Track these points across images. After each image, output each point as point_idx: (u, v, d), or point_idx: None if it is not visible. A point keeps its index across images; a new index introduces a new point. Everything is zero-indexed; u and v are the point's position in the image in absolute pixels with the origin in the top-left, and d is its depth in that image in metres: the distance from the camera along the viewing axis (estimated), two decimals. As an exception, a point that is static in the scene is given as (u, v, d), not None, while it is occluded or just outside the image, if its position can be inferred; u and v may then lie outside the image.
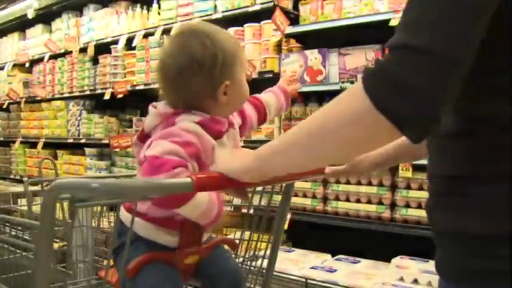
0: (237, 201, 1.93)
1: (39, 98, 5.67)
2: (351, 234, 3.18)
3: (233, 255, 1.50)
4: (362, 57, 3.11)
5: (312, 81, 3.24)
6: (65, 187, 0.96)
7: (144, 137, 1.36)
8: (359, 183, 3.10)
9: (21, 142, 6.01)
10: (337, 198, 3.15)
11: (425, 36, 0.77)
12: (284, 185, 1.48)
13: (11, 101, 6.16)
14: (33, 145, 5.78)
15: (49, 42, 5.38)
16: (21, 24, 6.14)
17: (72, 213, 1.14)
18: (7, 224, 1.58)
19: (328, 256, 3.18)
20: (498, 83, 0.86)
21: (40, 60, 5.74)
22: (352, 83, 3.03)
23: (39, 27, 5.85)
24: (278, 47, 3.44)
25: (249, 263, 1.57)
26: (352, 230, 3.12)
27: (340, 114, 0.86)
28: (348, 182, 3.15)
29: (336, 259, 3.14)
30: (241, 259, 1.55)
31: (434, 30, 0.77)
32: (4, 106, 6.39)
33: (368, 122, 0.81)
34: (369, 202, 3.05)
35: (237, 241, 1.52)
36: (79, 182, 0.96)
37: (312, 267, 2.90)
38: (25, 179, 4.50)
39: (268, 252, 1.55)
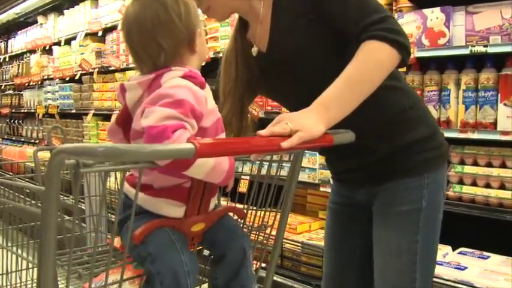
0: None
1: (112, 68, 5.42)
2: (475, 224, 2.72)
3: (241, 224, 1.53)
4: (497, 15, 2.61)
5: (432, 45, 2.76)
6: (69, 151, 0.96)
7: (124, 119, 1.34)
8: (489, 165, 2.64)
9: (94, 114, 5.81)
10: (461, 182, 2.70)
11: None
12: (293, 154, 1.51)
13: (84, 72, 5.94)
14: (107, 118, 5.57)
15: (123, 8, 5.10)
16: (93, -8, 5.89)
17: (76, 179, 1.02)
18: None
19: (448, 248, 2.74)
20: None
21: (113, 28, 5.47)
22: (485, 46, 2.54)
23: (112, -6, 5.58)
24: (388, 6, 2.98)
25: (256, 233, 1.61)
26: (478, 219, 2.65)
27: (381, 61, 1.41)
28: (475, 163, 2.69)
29: (460, 253, 2.71)
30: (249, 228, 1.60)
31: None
32: (76, 77, 6.17)
33: (396, 60, 1.44)
34: (502, 187, 2.57)
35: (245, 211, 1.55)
36: (84, 146, 0.96)
37: (437, 263, 2.47)
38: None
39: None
